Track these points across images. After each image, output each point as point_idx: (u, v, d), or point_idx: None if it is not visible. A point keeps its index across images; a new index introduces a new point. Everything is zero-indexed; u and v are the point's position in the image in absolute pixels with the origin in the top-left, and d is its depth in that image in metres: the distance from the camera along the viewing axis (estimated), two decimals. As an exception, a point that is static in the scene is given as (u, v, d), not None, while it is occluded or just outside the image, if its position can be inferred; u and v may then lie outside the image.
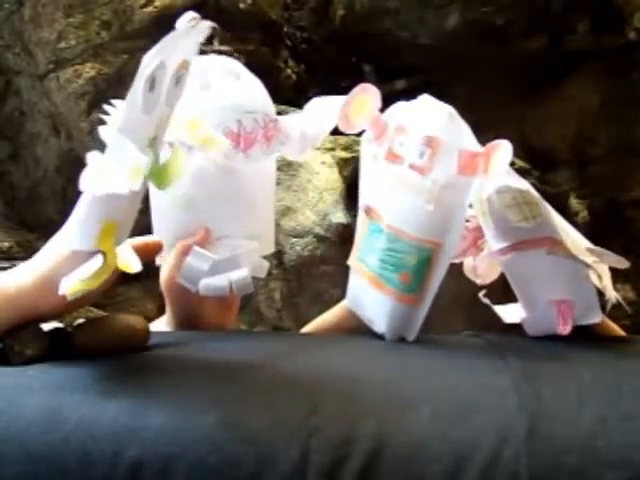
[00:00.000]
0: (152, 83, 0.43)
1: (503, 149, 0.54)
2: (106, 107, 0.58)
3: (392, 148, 0.58)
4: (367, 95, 0.61)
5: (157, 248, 0.55)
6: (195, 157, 0.63)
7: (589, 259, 0.57)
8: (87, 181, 0.42)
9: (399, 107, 0.60)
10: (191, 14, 0.43)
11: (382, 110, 0.61)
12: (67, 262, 0.45)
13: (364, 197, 0.63)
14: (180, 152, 0.49)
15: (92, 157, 0.43)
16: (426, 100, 0.59)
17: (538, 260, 0.59)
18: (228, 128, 0.63)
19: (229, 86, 0.65)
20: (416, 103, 0.59)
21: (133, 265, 0.48)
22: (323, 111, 0.68)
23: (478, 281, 0.70)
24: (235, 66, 0.67)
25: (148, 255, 0.54)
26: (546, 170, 1.69)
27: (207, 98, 0.64)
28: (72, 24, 1.51)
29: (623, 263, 0.58)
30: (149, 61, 0.42)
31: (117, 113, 0.59)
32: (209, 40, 0.48)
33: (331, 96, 0.68)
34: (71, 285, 0.43)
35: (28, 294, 0.46)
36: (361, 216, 0.63)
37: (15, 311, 0.46)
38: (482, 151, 0.55)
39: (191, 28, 0.43)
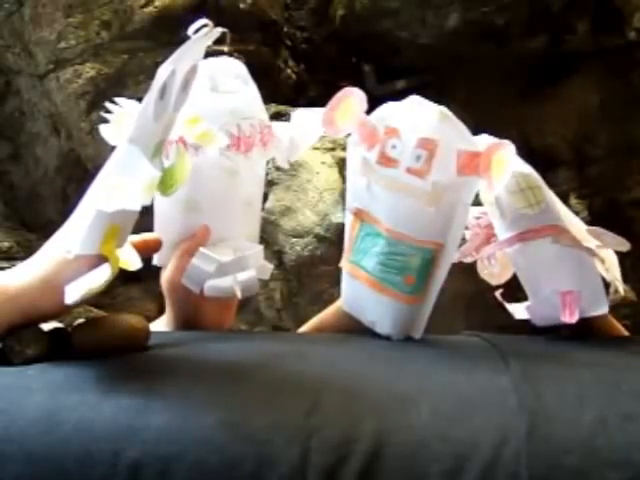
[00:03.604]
0: (163, 91, 0.43)
1: (504, 149, 0.54)
2: (109, 105, 0.59)
3: (385, 151, 0.58)
4: (352, 98, 0.60)
5: (156, 245, 0.56)
6: (197, 159, 0.64)
7: (592, 243, 0.57)
8: (100, 197, 0.42)
9: (387, 109, 0.59)
10: (203, 21, 0.44)
11: (368, 112, 0.60)
12: (69, 264, 0.45)
13: (353, 200, 0.62)
14: (184, 156, 0.49)
15: (104, 172, 0.44)
16: (415, 101, 0.58)
17: (544, 250, 0.60)
18: (229, 131, 0.65)
19: (234, 90, 0.66)
20: (405, 104, 0.59)
21: (134, 263, 0.49)
22: (309, 122, 0.69)
23: (493, 282, 0.70)
24: (242, 70, 0.68)
25: (148, 252, 0.55)
26: (546, 170, 1.68)
27: (213, 100, 0.65)
28: (72, 24, 1.51)
29: (624, 245, 0.58)
30: (163, 72, 0.43)
31: (119, 112, 0.59)
32: (216, 42, 0.49)
33: (317, 108, 0.68)
34: (78, 293, 0.43)
35: (29, 295, 0.46)
36: (349, 218, 0.63)
37: (15, 311, 0.46)
38: (482, 151, 0.55)
39: (204, 36, 0.44)
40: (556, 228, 0.58)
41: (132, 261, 0.50)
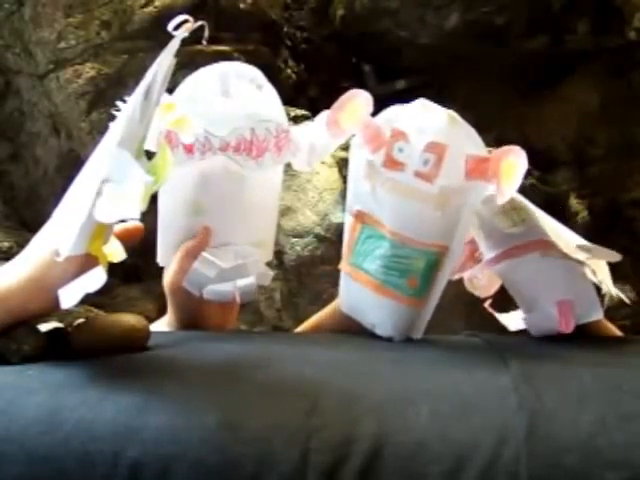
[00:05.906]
0: (147, 92, 0.44)
1: (514, 155, 0.53)
2: (119, 104, 0.59)
3: (391, 155, 0.57)
4: (358, 100, 0.59)
5: (138, 232, 0.56)
6: (204, 163, 0.63)
7: (582, 256, 0.57)
8: (99, 207, 0.43)
9: (394, 111, 0.59)
10: (182, 17, 0.44)
11: (374, 114, 0.60)
12: (57, 264, 0.45)
13: (354, 202, 0.62)
14: (166, 151, 0.49)
15: (95, 175, 0.44)
16: (424, 104, 0.58)
17: (533, 264, 0.59)
18: (241, 136, 0.63)
19: (247, 95, 0.65)
20: (413, 107, 0.58)
21: (118, 254, 0.49)
22: None
23: (482, 295, 0.69)
24: (257, 75, 0.67)
25: (130, 240, 0.55)
26: (546, 170, 1.68)
27: (224, 105, 0.64)
28: (72, 24, 1.51)
29: (615, 257, 0.57)
30: (149, 75, 0.44)
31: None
32: (198, 40, 0.49)
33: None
34: (74, 298, 0.43)
35: (17, 295, 0.46)
36: (349, 220, 0.62)
37: (4, 312, 0.46)
38: (491, 156, 0.55)
39: (186, 32, 0.44)
40: (542, 242, 0.58)
41: (116, 252, 0.50)
